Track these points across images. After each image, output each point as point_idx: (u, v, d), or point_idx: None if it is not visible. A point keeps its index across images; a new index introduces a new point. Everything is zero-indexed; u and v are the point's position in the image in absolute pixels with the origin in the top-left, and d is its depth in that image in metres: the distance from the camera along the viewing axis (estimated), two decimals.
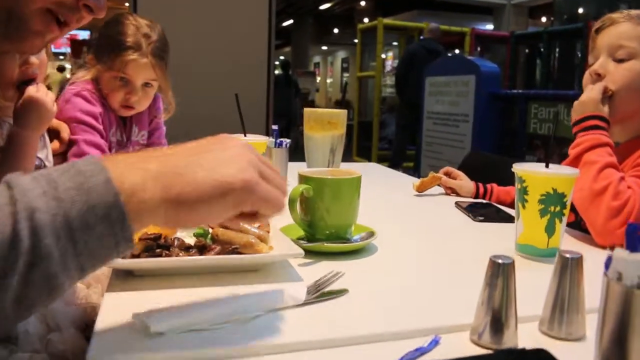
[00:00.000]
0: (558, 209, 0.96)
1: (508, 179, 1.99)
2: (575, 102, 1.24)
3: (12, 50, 1.07)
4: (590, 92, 1.21)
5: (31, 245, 0.45)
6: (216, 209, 0.57)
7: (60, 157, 1.40)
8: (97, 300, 0.95)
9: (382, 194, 1.59)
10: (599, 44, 1.26)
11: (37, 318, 0.84)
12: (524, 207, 0.98)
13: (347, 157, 1.55)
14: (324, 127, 1.31)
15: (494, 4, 13.64)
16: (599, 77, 1.24)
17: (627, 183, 1.10)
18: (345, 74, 22.73)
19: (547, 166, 0.99)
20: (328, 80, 25.18)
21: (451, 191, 1.61)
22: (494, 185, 1.59)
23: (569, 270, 0.67)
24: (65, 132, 1.41)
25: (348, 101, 17.05)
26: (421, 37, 7.58)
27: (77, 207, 0.48)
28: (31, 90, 1.12)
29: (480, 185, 1.59)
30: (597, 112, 1.20)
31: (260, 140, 1.43)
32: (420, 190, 1.59)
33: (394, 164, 7.46)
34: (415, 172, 6.67)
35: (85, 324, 0.96)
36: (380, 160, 8.14)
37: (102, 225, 0.49)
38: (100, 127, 1.45)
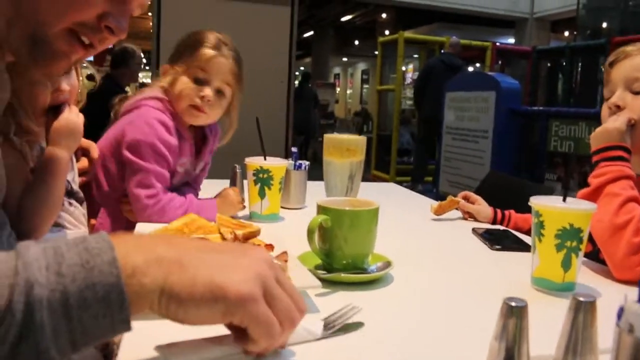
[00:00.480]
0: (575, 244, 0.96)
1: (526, 201, 1.99)
2: (598, 130, 1.24)
3: (41, 77, 1.11)
4: (615, 122, 1.21)
5: (23, 318, 0.46)
6: (204, 313, 0.54)
7: (90, 175, 1.42)
8: None
9: (400, 216, 1.60)
10: (614, 77, 1.26)
11: None
12: (540, 241, 0.99)
13: (365, 170, 1.56)
14: (343, 153, 1.33)
15: (516, 17, 13.61)
16: (618, 108, 1.24)
17: None
18: (365, 86, 22.78)
19: (564, 200, 1.00)
20: (348, 92, 25.25)
21: (469, 215, 1.62)
22: (512, 212, 1.59)
23: (582, 313, 0.67)
24: (95, 152, 1.42)
25: (367, 112, 17.10)
26: (442, 51, 7.61)
27: (77, 284, 0.48)
28: (65, 114, 1.16)
29: (499, 211, 1.59)
30: (622, 143, 1.20)
31: (280, 164, 1.45)
32: (438, 213, 1.60)
33: (416, 179, 7.46)
34: (434, 186, 6.65)
35: (105, 343, 0.98)
36: (399, 174, 8.14)
37: (99, 305, 0.49)
38: (171, 160, 1.42)
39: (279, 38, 3.21)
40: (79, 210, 1.27)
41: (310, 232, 0.94)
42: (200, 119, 1.48)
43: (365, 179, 1.59)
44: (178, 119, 1.45)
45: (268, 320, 0.56)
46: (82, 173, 1.38)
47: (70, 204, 1.24)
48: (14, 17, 0.71)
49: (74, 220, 1.24)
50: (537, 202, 0.99)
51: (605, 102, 1.28)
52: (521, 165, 5.59)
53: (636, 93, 1.22)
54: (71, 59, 0.76)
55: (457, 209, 1.63)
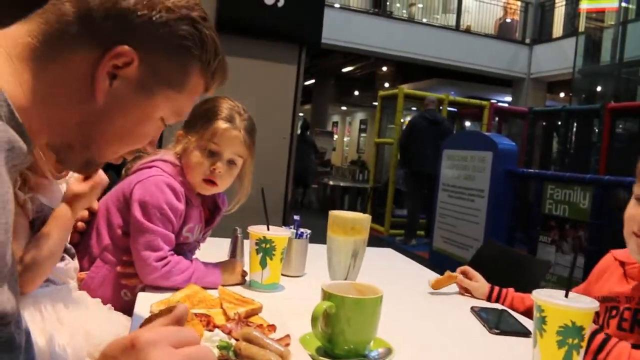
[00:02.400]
0: (576, 341, 0.97)
1: (522, 273, 2.00)
2: None
3: None
4: None
5: None
6: None
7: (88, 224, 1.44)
8: None
9: (399, 293, 1.59)
10: None
11: None
12: (541, 336, 0.99)
13: None
14: (347, 232, 1.34)
15: (513, 77, 13.90)
16: None
17: None
18: (363, 135, 23.01)
19: (566, 295, 1.01)
20: (345, 139, 25.48)
21: (465, 291, 1.62)
22: (510, 290, 1.60)
23: None
24: (96, 205, 1.44)
25: (363, 162, 17.22)
26: (424, 109, 7.85)
27: None
28: (100, 174, 1.18)
29: (496, 289, 1.60)
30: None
31: (282, 235, 1.46)
32: (436, 288, 1.61)
33: (408, 235, 7.52)
34: (428, 243, 6.66)
35: None
36: (394, 227, 8.15)
37: None
38: (177, 225, 1.43)
39: (284, 95, 3.27)
40: (72, 264, 1.27)
41: (314, 319, 0.95)
42: (214, 190, 1.51)
43: None
44: (187, 186, 1.47)
45: None
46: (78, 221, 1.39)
47: (63, 258, 1.24)
48: (78, 143, 0.77)
49: (64, 275, 1.24)
50: (539, 297, 1.00)
51: (635, 199, 1.23)
52: (516, 226, 5.61)
53: None
54: None
55: (454, 282, 1.63)
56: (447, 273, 1.62)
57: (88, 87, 0.72)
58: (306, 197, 11.27)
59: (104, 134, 0.76)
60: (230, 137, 1.46)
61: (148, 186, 1.41)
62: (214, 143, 1.45)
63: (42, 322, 1.09)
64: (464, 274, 1.64)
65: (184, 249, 1.50)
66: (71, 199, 1.17)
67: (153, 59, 0.74)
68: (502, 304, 1.56)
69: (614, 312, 1.25)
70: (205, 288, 1.28)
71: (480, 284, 1.61)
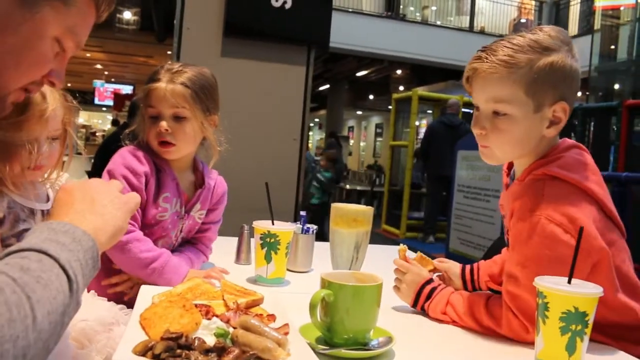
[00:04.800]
0: (580, 327, 0.95)
1: None
2: None
3: (19, 140, 1.13)
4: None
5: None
6: None
7: None
8: None
9: None
10: None
11: None
12: (544, 322, 0.98)
13: (376, 225, 1.55)
14: (350, 224, 1.33)
15: None
16: None
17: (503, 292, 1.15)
18: (379, 139, 22.98)
19: (569, 281, 0.99)
20: (361, 144, 25.46)
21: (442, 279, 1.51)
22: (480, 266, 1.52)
23: None
24: None
25: (380, 166, 17.18)
26: (442, 112, 7.99)
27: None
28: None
29: (467, 266, 1.52)
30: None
31: (287, 229, 1.46)
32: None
33: (426, 232, 7.60)
34: (445, 244, 6.62)
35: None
36: (410, 229, 8.12)
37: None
38: (140, 185, 1.42)
39: (293, 96, 3.28)
40: None
41: (312, 306, 0.94)
42: (173, 151, 1.47)
43: (375, 233, 1.57)
44: (156, 155, 1.48)
45: None
46: None
47: None
48: None
49: None
50: (542, 283, 0.98)
51: None
52: None
53: None
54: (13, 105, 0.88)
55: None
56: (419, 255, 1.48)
57: None
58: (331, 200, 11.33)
59: (3, 54, 0.77)
60: (160, 93, 1.43)
61: (112, 159, 1.44)
62: (150, 106, 1.45)
63: None
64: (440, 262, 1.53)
65: (182, 250, 1.51)
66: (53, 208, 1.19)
67: None
68: (477, 279, 1.49)
69: None
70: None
71: (450, 263, 1.52)
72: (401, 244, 1.45)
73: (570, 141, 1.27)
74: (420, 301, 1.27)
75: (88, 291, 1.30)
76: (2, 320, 0.59)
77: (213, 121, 1.52)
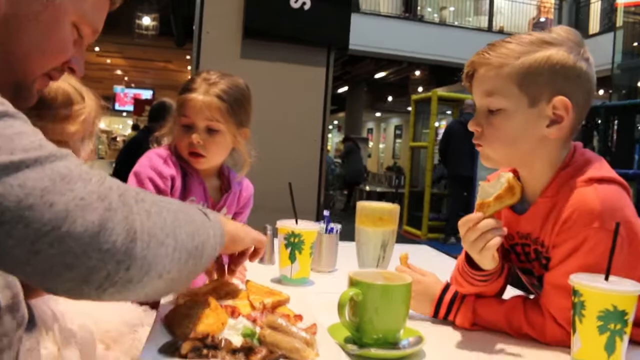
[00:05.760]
0: (619, 326, 0.91)
1: None
2: None
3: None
4: None
5: None
6: None
7: None
8: None
9: None
10: None
11: None
12: (580, 322, 0.94)
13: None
14: (376, 222, 1.31)
15: None
16: None
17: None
18: (398, 140, 22.89)
19: (606, 278, 0.96)
20: (380, 146, 25.39)
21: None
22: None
23: None
24: None
25: (399, 167, 17.09)
26: (460, 112, 7.99)
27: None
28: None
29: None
30: None
31: (311, 229, 1.44)
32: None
33: (448, 233, 7.56)
34: None
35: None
36: (431, 231, 8.06)
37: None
38: (166, 188, 1.43)
39: (313, 98, 3.27)
40: None
41: (340, 306, 0.92)
42: (203, 162, 1.48)
43: (397, 234, 1.53)
44: (183, 159, 1.48)
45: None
46: None
47: None
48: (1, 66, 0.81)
49: None
50: (577, 280, 0.95)
51: None
52: None
53: None
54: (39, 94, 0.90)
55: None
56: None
57: None
58: (352, 200, 11.45)
59: (20, 43, 0.80)
60: (197, 105, 1.43)
61: (139, 161, 1.45)
62: (184, 116, 1.45)
63: (54, 304, 1.10)
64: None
65: None
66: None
67: None
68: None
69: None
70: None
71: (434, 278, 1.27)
72: (402, 253, 1.31)
73: (579, 143, 1.19)
74: (442, 312, 1.18)
75: None
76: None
77: (245, 134, 1.53)
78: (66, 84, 1.13)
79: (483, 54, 1.14)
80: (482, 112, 1.15)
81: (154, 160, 1.44)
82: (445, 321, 1.21)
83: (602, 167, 1.12)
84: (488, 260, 1.07)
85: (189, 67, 3.25)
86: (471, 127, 1.16)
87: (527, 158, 1.13)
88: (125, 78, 22.38)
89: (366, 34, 11.12)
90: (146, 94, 19.87)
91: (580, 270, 1.01)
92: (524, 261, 1.22)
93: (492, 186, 1.08)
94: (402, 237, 8.09)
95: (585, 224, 1.04)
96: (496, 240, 1.05)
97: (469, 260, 1.13)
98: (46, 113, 1.06)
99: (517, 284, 1.32)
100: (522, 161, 1.14)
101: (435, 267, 1.28)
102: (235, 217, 1.59)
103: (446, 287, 1.20)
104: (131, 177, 1.42)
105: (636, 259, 1.05)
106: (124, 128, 26.54)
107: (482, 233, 1.05)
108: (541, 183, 1.13)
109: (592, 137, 8.63)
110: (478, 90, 1.16)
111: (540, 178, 1.13)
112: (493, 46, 1.14)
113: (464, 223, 1.07)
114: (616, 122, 8.07)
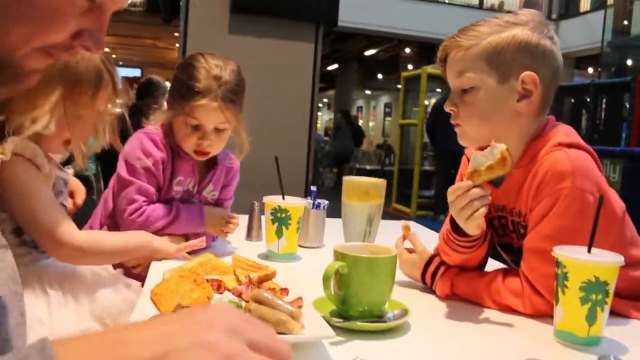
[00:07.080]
0: (600, 297, 0.93)
1: None
2: None
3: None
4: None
5: None
6: None
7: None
8: None
9: None
10: None
11: None
12: (563, 293, 0.95)
13: (386, 204, 1.51)
14: (361, 197, 1.31)
15: None
16: None
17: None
18: (388, 118, 22.86)
19: (589, 251, 0.97)
20: (370, 124, 25.34)
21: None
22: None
23: None
24: (79, 199, 1.51)
25: (389, 145, 17.08)
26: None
27: None
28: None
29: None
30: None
31: (298, 204, 1.44)
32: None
33: (437, 211, 7.59)
34: None
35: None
36: (420, 208, 8.09)
37: None
38: (158, 173, 1.43)
39: (302, 73, 3.24)
40: None
41: (326, 279, 0.92)
42: (207, 156, 1.51)
43: (386, 212, 1.53)
44: (174, 141, 1.48)
45: None
46: None
47: None
48: None
49: None
50: (560, 252, 0.96)
51: None
52: None
53: None
54: (41, 72, 0.70)
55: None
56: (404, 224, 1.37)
57: None
58: (342, 178, 11.48)
59: (5, 5, 0.60)
60: (209, 111, 1.41)
61: (130, 141, 1.45)
62: (194, 118, 1.43)
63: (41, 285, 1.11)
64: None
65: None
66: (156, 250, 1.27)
67: None
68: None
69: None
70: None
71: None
72: (404, 221, 1.37)
73: (552, 117, 1.23)
74: (427, 282, 1.23)
75: (115, 269, 1.31)
76: None
77: (242, 124, 1.53)
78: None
79: (454, 38, 1.21)
80: (456, 92, 1.21)
81: (145, 143, 1.44)
82: (430, 294, 1.22)
83: (571, 135, 1.17)
84: (474, 227, 1.09)
85: (177, 45, 3.20)
86: (447, 107, 1.22)
87: (501, 133, 1.16)
88: (113, 56, 22.11)
89: (356, 10, 11.00)
90: (134, 72, 19.66)
91: (556, 232, 1.05)
92: (501, 235, 1.25)
93: (485, 155, 1.08)
94: (391, 215, 8.13)
95: (558, 183, 1.08)
96: (483, 210, 1.07)
97: (454, 226, 1.15)
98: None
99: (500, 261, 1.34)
100: (497, 136, 1.15)
101: (424, 243, 1.28)
102: (222, 189, 1.61)
103: (431, 258, 1.24)
104: (121, 160, 1.43)
105: (609, 224, 1.08)
106: None
107: (470, 200, 1.06)
108: (515, 156, 1.16)
109: (580, 114, 8.66)
110: (451, 72, 1.22)
111: (514, 152, 1.15)
112: (463, 30, 1.21)
113: (453, 190, 1.09)
114: (605, 100, 8.10)
